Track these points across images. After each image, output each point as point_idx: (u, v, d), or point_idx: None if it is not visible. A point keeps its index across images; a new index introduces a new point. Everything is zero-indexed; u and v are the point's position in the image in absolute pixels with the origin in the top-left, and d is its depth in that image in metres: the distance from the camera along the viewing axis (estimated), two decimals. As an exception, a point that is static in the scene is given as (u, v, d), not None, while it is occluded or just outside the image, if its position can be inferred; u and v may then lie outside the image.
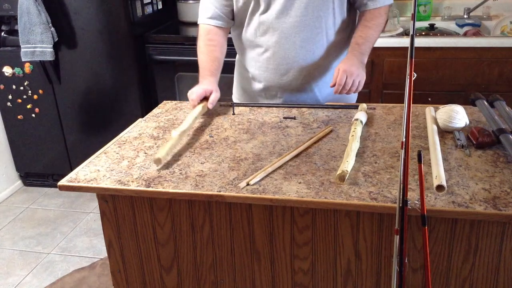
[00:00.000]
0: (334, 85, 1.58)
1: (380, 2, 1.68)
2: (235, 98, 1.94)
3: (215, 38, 1.72)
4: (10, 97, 3.01)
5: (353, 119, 1.47)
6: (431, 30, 2.78)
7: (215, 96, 1.61)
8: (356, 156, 1.28)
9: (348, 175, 1.17)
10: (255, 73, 1.77)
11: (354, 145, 1.29)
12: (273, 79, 1.74)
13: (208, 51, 1.71)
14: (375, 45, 1.72)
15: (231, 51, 1.83)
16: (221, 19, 1.72)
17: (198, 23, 1.76)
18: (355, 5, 1.72)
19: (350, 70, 1.57)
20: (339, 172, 1.17)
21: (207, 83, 1.64)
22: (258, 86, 1.80)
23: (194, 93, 1.60)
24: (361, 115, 1.48)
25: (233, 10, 1.72)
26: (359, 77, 1.59)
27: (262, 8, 1.65)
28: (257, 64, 1.76)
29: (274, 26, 1.66)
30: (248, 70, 1.80)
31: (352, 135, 1.35)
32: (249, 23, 1.71)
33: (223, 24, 1.73)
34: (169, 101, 1.80)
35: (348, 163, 1.20)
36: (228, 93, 1.90)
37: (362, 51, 1.64)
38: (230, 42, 1.85)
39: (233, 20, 1.75)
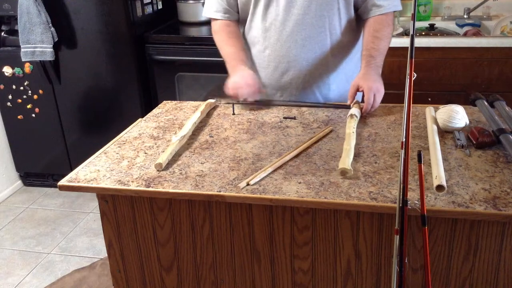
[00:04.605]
0: (352, 102, 1.56)
1: (386, 8, 1.64)
2: None
3: (235, 30, 1.78)
4: (10, 97, 3.01)
5: (348, 115, 1.48)
6: (431, 30, 2.78)
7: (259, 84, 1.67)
8: (356, 156, 1.29)
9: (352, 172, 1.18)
10: (255, 70, 1.77)
11: (353, 142, 1.31)
12: (273, 77, 1.74)
13: (235, 42, 1.74)
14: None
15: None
16: (228, 12, 1.75)
17: (206, 16, 1.80)
18: (359, 11, 1.69)
19: (376, 86, 1.54)
20: (342, 166, 1.18)
21: (246, 73, 1.65)
22: None
23: (244, 82, 1.61)
24: (355, 111, 1.50)
25: (237, 3, 1.73)
26: (381, 92, 1.56)
27: (263, 4, 1.65)
28: (257, 62, 1.76)
29: (276, 24, 1.66)
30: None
31: (353, 132, 1.36)
32: (252, 20, 1.72)
33: (230, 17, 1.76)
34: (169, 101, 1.79)
35: (349, 159, 1.22)
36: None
37: (378, 64, 1.62)
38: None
39: (238, 14, 1.76)
